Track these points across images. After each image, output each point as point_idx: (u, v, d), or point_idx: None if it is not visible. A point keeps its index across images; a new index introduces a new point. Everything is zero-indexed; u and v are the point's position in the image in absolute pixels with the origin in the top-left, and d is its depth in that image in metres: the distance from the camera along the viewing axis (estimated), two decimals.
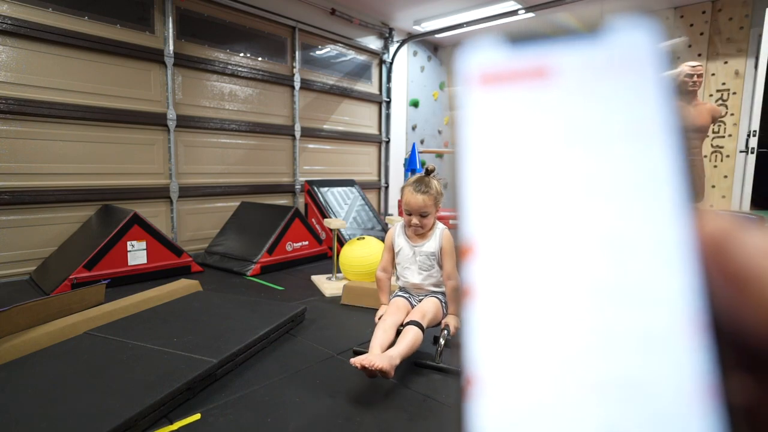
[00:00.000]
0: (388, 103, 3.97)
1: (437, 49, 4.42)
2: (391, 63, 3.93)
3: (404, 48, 4.02)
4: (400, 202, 1.78)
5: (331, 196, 3.03)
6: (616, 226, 0.12)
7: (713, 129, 3.23)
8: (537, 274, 0.12)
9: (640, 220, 0.12)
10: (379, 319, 1.28)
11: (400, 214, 1.64)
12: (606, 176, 0.12)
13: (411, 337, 1.16)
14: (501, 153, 0.13)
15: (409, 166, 3.64)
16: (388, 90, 3.95)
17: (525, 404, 0.11)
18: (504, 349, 0.12)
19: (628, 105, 0.12)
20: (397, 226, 1.42)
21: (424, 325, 1.22)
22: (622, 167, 0.12)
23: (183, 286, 1.77)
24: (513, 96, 0.13)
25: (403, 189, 1.33)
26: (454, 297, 1.28)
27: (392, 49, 3.92)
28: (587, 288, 0.12)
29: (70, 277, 1.85)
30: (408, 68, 4.14)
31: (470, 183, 0.13)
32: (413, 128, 4.27)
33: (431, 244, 1.34)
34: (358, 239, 2.14)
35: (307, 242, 2.62)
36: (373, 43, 3.80)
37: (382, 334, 1.19)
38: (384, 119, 3.99)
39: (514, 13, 3.31)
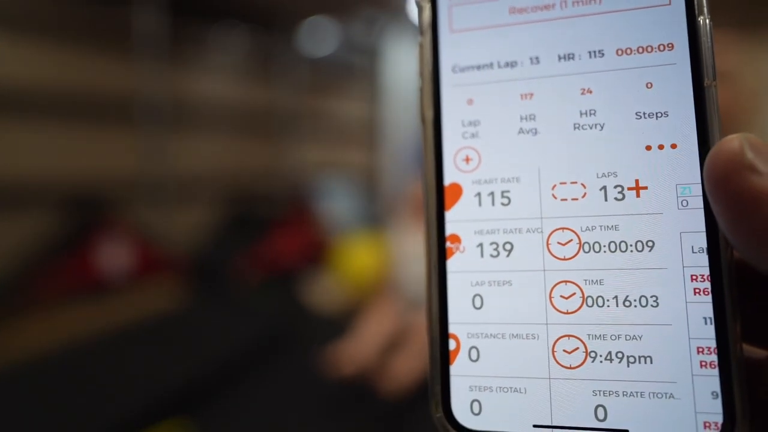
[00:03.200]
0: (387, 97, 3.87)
1: None
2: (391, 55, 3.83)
3: (404, 37, 3.93)
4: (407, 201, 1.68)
5: (329, 195, 2.95)
6: (613, 163, 0.11)
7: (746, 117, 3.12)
8: (528, 220, 0.11)
9: (643, 156, 0.11)
10: None
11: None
12: (610, 99, 0.11)
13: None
14: (486, 75, 0.11)
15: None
16: (388, 83, 3.85)
17: (509, 369, 0.10)
18: (489, 312, 0.11)
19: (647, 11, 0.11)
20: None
21: None
22: (630, 92, 0.11)
23: (157, 292, 1.66)
24: None
25: None
26: None
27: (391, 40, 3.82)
28: (584, 241, 0.11)
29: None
30: (407, 60, 4.05)
31: (451, 107, 0.11)
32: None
33: None
34: (357, 241, 2.03)
35: (302, 244, 2.52)
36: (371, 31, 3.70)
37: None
38: (383, 115, 3.90)
39: None
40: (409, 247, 1.30)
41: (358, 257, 1.93)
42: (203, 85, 2.66)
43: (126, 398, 0.95)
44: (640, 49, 0.11)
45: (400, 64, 4.02)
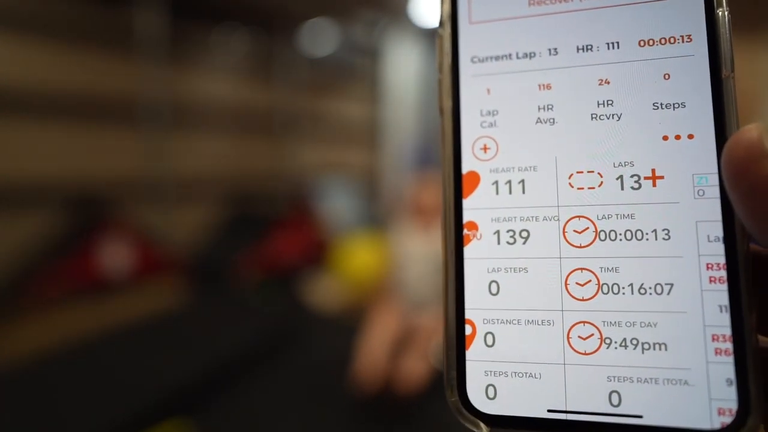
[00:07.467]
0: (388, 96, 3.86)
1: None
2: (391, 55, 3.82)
3: (405, 39, 3.92)
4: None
5: (330, 195, 2.93)
6: (630, 152, 0.11)
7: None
8: (545, 208, 0.11)
9: (660, 146, 0.11)
10: None
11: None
12: (627, 90, 0.11)
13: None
14: (504, 62, 0.12)
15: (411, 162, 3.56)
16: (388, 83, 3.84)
17: (524, 355, 0.11)
18: (505, 298, 0.11)
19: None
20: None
21: None
22: (648, 83, 0.11)
23: (157, 292, 1.65)
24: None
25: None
26: None
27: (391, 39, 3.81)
28: (600, 229, 0.11)
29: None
30: (407, 61, 4.04)
31: (469, 99, 0.12)
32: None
33: None
34: (358, 240, 2.03)
35: (302, 244, 2.51)
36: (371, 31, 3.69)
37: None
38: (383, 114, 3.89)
39: None
40: (410, 248, 1.30)
41: (358, 257, 1.92)
42: (204, 86, 2.65)
43: (126, 398, 0.95)
44: (658, 41, 0.11)
45: (401, 66, 4.01)
